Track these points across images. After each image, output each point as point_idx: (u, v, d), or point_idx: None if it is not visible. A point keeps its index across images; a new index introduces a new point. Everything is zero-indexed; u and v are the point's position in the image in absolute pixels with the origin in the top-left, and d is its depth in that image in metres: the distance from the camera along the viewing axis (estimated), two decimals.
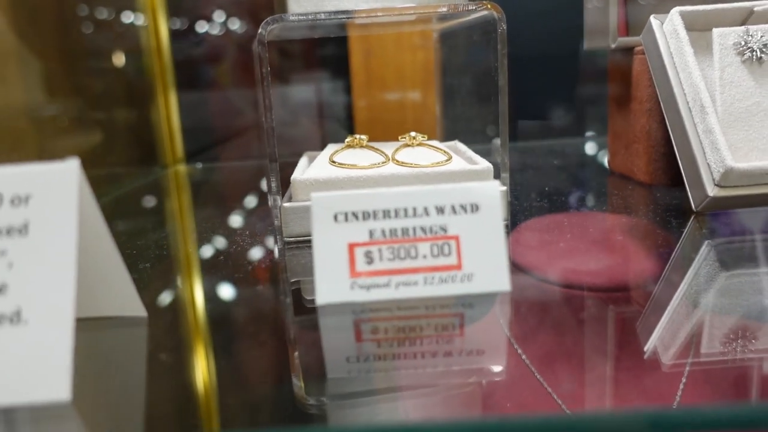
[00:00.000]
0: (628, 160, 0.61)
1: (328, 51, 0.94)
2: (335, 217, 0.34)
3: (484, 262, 0.33)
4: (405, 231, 0.34)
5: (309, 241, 0.44)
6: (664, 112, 0.50)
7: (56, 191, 0.26)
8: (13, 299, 0.25)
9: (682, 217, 0.46)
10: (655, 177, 0.57)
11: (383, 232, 0.34)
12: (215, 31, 0.91)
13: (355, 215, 0.34)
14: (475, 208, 0.34)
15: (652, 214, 0.49)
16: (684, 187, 0.47)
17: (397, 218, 0.34)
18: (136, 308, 0.32)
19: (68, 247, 0.26)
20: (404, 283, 0.33)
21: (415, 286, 0.33)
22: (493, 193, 0.34)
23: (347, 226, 0.34)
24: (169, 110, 0.91)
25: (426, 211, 0.34)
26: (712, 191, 0.44)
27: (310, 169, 0.47)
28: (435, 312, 0.33)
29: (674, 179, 0.56)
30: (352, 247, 0.33)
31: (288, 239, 0.45)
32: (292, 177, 0.46)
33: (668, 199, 0.52)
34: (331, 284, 0.33)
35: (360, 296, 0.33)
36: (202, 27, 0.90)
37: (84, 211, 0.28)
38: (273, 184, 0.46)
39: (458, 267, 0.33)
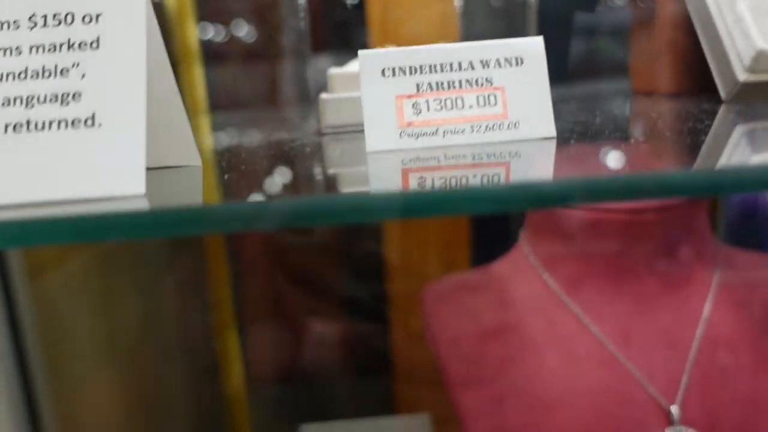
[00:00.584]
0: (652, 76, 0.62)
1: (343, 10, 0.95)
2: (383, 72, 0.35)
3: (530, 111, 0.34)
4: (451, 83, 0.34)
5: (345, 132, 0.45)
6: (690, 13, 0.51)
7: (125, 9, 0.27)
8: (87, 105, 0.26)
9: (712, 106, 0.47)
10: (682, 86, 0.58)
11: (430, 85, 0.34)
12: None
13: (402, 70, 0.35)
14: (519, 61, 0.35)
15: (679, 110, 0.49)
16: (714, 91, 0.48)
17: (443, 72, 0.35)
18: (193, 158, 0.33)
19: (138, 59, 0.27)
20: (451, 131, 0.34)
21: (462, 134, 0.34)
22: (536, 47, 0.35)
23: (395, 80, 0.35)
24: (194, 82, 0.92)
25: (471, 65, 0.35)
26: (742, 77, 0.45)
27: (346, 66, 0.48)
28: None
29: (702, 87, 0.56)
30: (399, 99, 0.34)
31: (326, 130, 0.45)
32: (329, 71, 0.46)
33: (696, 101, 0.53)
34: (381, 133, 0.34)
35: (409, 144, 0.34)
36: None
37: (150, 47, 0.29)
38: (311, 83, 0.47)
39: (504, 116, 0.34)
